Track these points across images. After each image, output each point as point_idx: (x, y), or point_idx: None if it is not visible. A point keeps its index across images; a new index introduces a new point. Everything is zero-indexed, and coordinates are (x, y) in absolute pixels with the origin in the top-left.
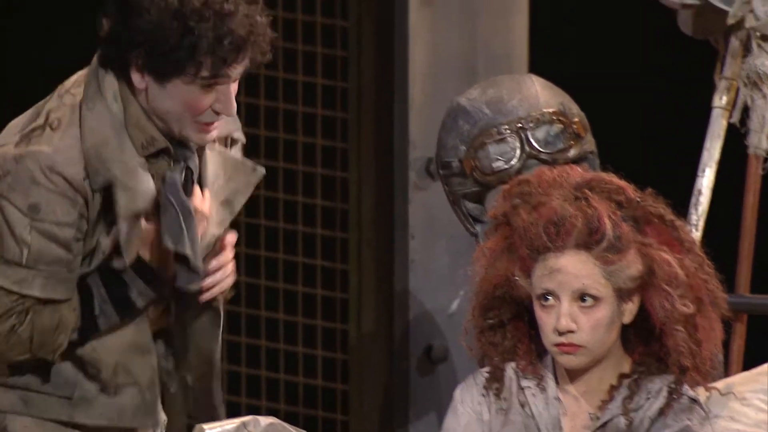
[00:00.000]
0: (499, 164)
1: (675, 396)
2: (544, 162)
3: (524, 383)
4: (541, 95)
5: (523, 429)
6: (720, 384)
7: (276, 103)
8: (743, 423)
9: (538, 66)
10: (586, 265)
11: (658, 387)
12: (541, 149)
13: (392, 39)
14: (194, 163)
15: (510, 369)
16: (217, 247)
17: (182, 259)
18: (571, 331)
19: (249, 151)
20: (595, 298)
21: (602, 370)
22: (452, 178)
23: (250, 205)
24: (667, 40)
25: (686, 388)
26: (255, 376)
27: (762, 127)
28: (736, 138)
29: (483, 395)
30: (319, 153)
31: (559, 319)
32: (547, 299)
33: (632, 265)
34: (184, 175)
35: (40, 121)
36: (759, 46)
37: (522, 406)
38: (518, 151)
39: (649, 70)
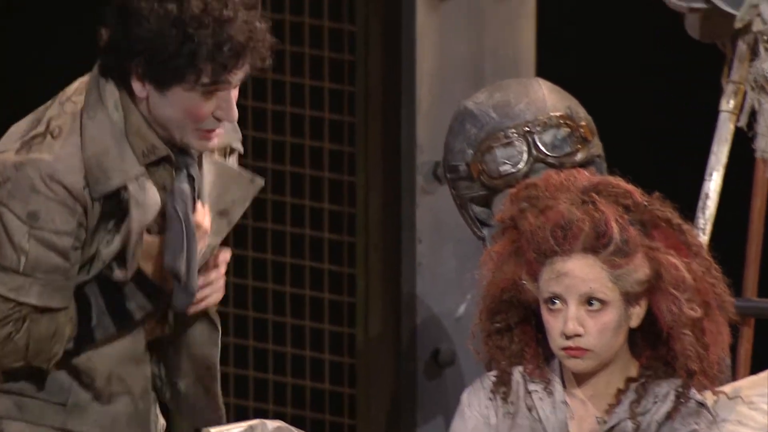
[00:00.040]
0: (506, 168)
1: (682, 400)
2: (551, 166)
3: (531, 387)
4: (549, 99)
5: None
6: (727, 388)
7: (283, 106)
8: (751, 427)
9: (545, 70)
10: (594, 269)
11: (665, 391)
12: (548, 153)
13: (399, 43)
14: (196, 170)
15: (517, 373)
16: (210, 263)
17: (177, 278)
18: (579, 335)
19: (256, 154)
20: (603, 302)
21: (609, 373)
22: (459, 182)
23: (258, 209)
24: (674, 42)
25: (694, 392)
26: (263, 379)
27: None
28: (743, 142)
29: (490, 399)
30: (327, 156)
31: (566, 322)
32: (554, 303)
33: (639, 269)
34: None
35: (41, 128)
36: (766, 50)
37: (529, 409)
38: (525, 155)
39: (654, 72)
